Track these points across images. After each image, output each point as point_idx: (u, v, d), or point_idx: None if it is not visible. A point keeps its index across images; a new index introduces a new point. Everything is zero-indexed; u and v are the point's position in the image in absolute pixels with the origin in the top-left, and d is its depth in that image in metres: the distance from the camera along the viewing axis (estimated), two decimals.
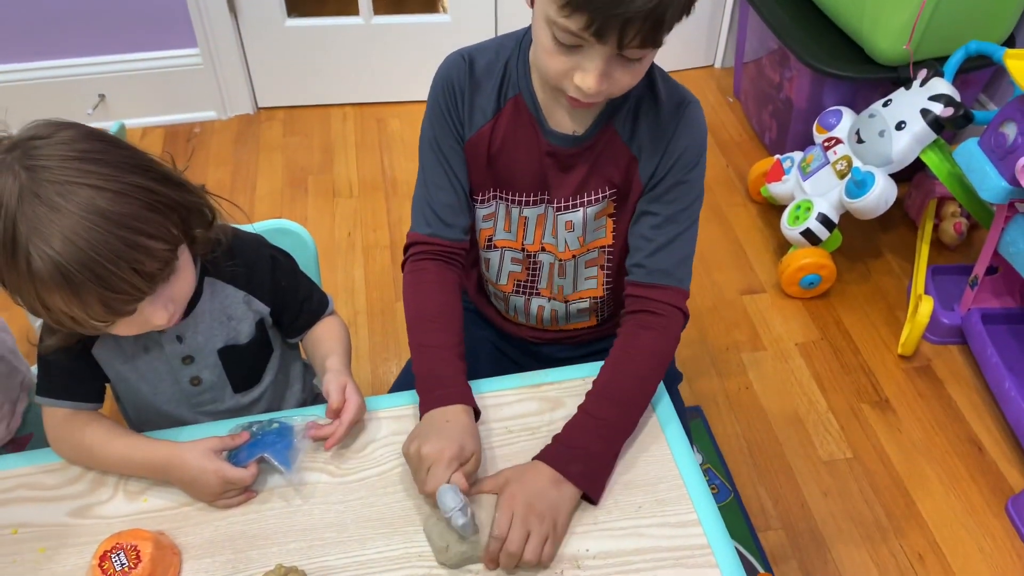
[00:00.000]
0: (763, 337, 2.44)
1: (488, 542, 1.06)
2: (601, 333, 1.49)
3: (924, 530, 1.98)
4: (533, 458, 1.16)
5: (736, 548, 1.34)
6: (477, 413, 1.20)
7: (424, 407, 1.18)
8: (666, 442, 1.23)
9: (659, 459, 1.22)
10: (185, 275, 1.11)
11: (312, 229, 1.61)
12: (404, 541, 1.12)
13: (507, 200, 1.31)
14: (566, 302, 1.41)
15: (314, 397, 1.50)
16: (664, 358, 1.23)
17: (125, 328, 1.09)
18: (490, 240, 1.37)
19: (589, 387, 1.24)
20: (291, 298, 1.34)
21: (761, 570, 1.90)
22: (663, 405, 1.28)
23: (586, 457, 1.14)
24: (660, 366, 1.23)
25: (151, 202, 1.01)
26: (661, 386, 1.27)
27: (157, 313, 1.08)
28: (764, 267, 2.64)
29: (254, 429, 1.20)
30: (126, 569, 1.02)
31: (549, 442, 1.18)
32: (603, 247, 1.34)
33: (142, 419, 1.34)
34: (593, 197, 1.27)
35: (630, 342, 1.23)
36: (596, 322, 1.47)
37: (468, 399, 1.19)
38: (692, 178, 1.23)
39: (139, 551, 1.03)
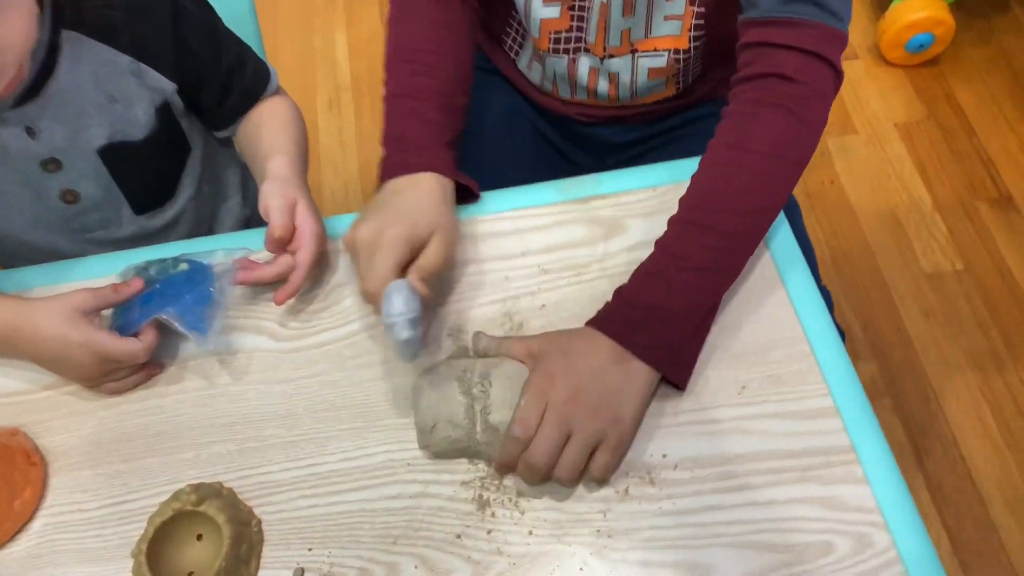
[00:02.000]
0: (854, 117, 1.97)
1: (504, 440, 0.67)
2: (682, 105, 1.02)
3: None
4: (586, 323, 0.74)
5: None
6: (469, 193, 0.85)
7: (380, 180, 0.82)
8: (786, 294, 0.81)
9: (775, 318, 0.80)
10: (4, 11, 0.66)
11: None
12: (385, 441, 0.74)
13: None
14: (633, 54, 0.93)
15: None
16: (800, 156, 0.77)
17: None
18: None
19: (666, 202, 0.79)
20: (209, 68, 0.88)
21: None
22: (782, 237, 0.84)
23: (666, 322, 0.72)
24: (790, 173, 0.77)
25: None
26: (782, 212, 0.82)
27: None
28: (858, 24, 2.09)
29: (151, 273, 0.78)
30: None
31: (607, 296, 0.75)
32: None
33: (2, 251, 0.92)
34: None
35: (744, 129, 0.77)
36: (675, 91, 0.99)
37: (440, 164, 0.80)
38: None
39: None
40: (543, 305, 0.81)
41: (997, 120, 1.94)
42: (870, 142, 1.93)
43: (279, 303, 0.77)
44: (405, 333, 0.67)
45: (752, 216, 0.76)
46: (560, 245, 0.85)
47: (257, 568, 0.69)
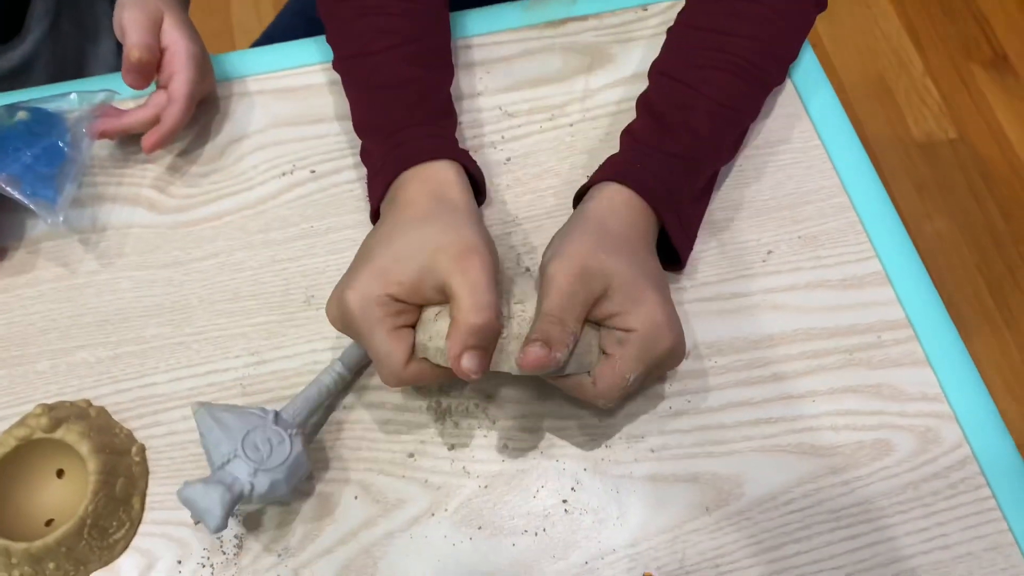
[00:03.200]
0: None
1: (538, 323, 0.47)
2: None
3: None
4: (577, 193, 0.56)
5: None
6: (476, 182, 0.57)
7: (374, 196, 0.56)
8: (816, 135, 0.64)
9: (804, 164, 0.63)
10: None
11: None
12: (310, 337, 0.56)
13: None
14: None
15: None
16: None
17: None
18: None
19: (664, 22, 0.60)
20: None
21: None
22: (806, 67, 0.66)
23: (663, 165, 0.54)
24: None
25: None
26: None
27: None
28: None
29: None
30: None
31: (590, 147, 0.57)
32: None
33: None
34: None
35: None
36: None
37: (445, 148, 0.54)
38: None
39: None
40: (508, 159, 0.63)
41: None
42: (855, 1, 1.74)
43: (148, 150, 0.58)
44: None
45: (769, 42, 0.58)
46: (529, 81, 0.66)
47: (142, 508, 0.52)
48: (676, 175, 0.55)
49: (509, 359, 0.47)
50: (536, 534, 0.51)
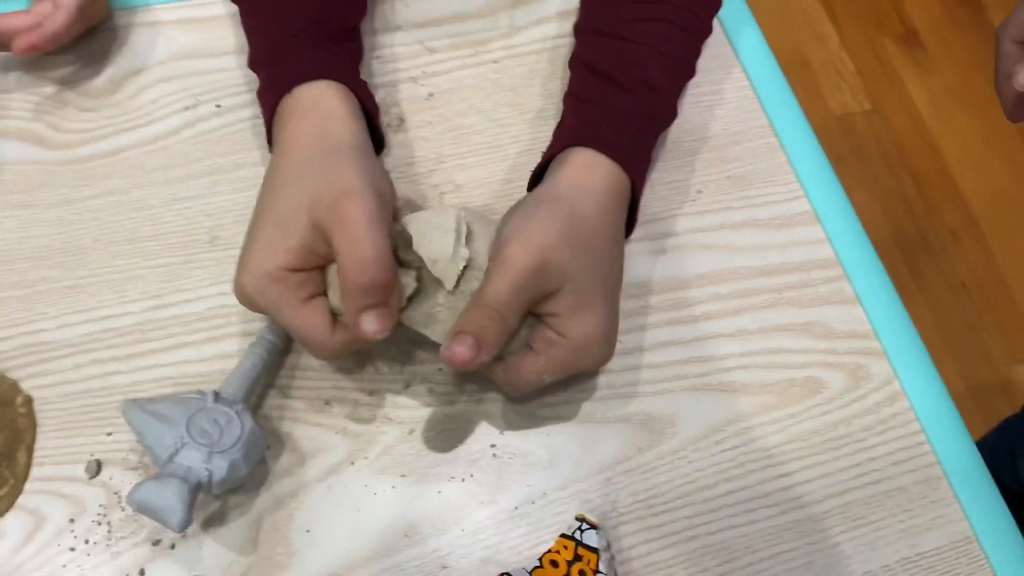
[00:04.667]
0: None
1: (474, 311, 0.43)
2: None
3: (959, 201, 1.52)
4: (570, 138, 0.51)
5: None
6: (368, 106, 0.52)
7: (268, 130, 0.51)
8: (745, 75, 0.63)
9: (732, 104, 0.62)
10: None
11: None
12: (215, 280, 0.52)
13: None
14: None
15: None
16: None
17: None
18: None
19: None
20: None
21: None
22: (733, 3, 0.65)
23: (628, 124, 0.52)
24: None
25: None
26: None
27: None
28: None
29: None
30: None
31: (516, 84, 0.55)
32: None
33: None
34: None
35: None
36: None
37: (331, 70, 0.50)
38: None
39: None
40: (430, 94, 0.59)
41: None
42: None
43: (20, 51, 0.51)
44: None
45: None
46: (450, 16, 0.62)
47: (29, 464, 0.47)
48: (643, 133, 0.52)
49: (436, 329, 0.44)
50: (463, 480, 0.48)
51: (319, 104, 0.48)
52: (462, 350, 0.41)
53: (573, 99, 0.54)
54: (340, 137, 0.46)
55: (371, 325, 0.41)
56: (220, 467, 0.42)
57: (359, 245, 0.40)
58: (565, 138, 0.51)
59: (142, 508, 0.41)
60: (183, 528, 0.41)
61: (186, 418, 0.43)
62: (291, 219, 0.43)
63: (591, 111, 0.52)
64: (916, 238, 1.49)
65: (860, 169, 1.54)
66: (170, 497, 0.41)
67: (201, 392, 0.45)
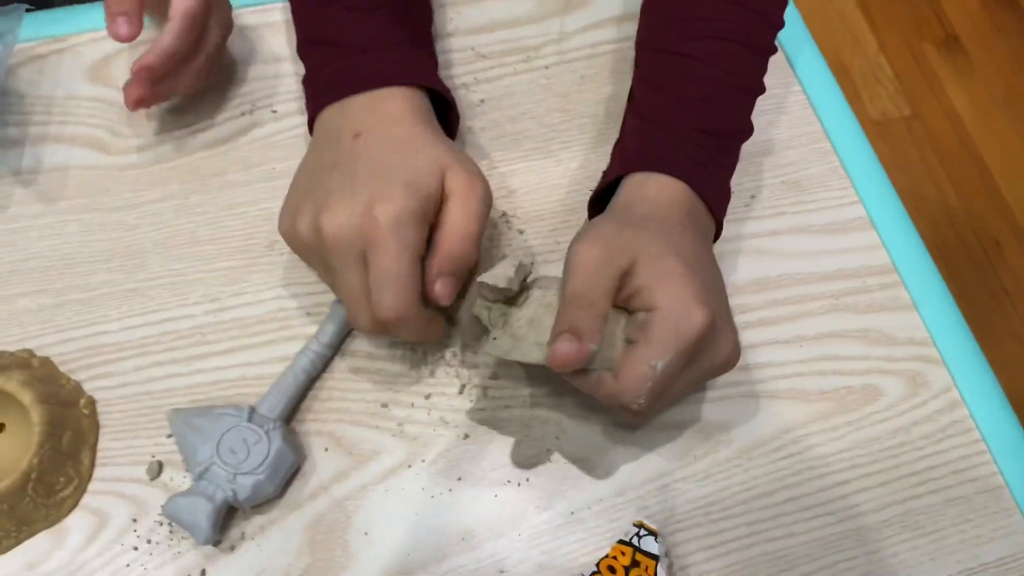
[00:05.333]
0: None
1: (563, 310, 0.42)
2: None
3: (1002, 207, 1.49)
4: (636, 165, 0.50)
5: None
6: (445, 102, 0.53)
7: (312, 108, 0.51)
8: (797, 80, 0.63)
9: (786, 110, 0.61)
10: None
11: None
12: (274, 284, 0.53)
13: None
14: None
15: None
16: None
17: None
18: None
19: None
20: None
21: None
22: (789, 20, 0.65)
23: (698, 144, 0.51)
24: None
25: None
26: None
27: None
28: None
29: None
30: None
31: (566, 90, 0.55)
32: None
33: None
34: None
35: None
36: None
37: (414, 71, 0.50)
38: None
39: None
40: (482, 100, 0.60)
41: None
42: None
43: (134, 103, 0.49)
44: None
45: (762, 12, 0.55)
46: (502, 22, 0.63)
47: (92, 464, 0.48)
48: (712, 152, 0.51)
49: (520, 346, 0.43)
50: (519, 484, 0.48)
51: (415, 100, 0.49)
52: (564, 346, 0.40)
53: (634, 115, 0.54)
54: (425, 115, 0.49)
55: (444, 290, 0.44)
56: (244, 488, 0.45)
57: (472, 221, 0.45)
58: (625, 163, 0.51)
59: (174, 519, 0.44)
60: (208, 543, 0.44)
61: (219, 435, 0.45)
62: (429, 172, 0.45)
63: (654, 129, 0.51)
64: (957, 246, 1.47)
65: (900, 175, 1.52)
66: (198, 515, 0.44)
67: (238, 408, 0.46)
